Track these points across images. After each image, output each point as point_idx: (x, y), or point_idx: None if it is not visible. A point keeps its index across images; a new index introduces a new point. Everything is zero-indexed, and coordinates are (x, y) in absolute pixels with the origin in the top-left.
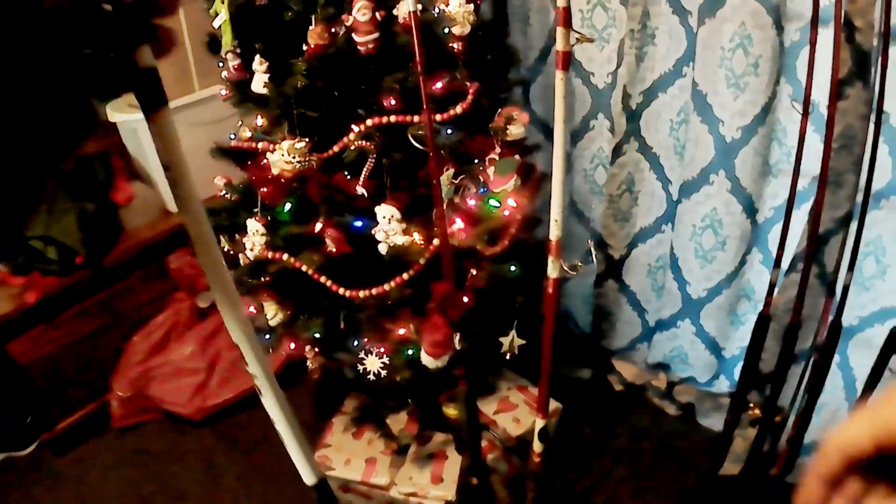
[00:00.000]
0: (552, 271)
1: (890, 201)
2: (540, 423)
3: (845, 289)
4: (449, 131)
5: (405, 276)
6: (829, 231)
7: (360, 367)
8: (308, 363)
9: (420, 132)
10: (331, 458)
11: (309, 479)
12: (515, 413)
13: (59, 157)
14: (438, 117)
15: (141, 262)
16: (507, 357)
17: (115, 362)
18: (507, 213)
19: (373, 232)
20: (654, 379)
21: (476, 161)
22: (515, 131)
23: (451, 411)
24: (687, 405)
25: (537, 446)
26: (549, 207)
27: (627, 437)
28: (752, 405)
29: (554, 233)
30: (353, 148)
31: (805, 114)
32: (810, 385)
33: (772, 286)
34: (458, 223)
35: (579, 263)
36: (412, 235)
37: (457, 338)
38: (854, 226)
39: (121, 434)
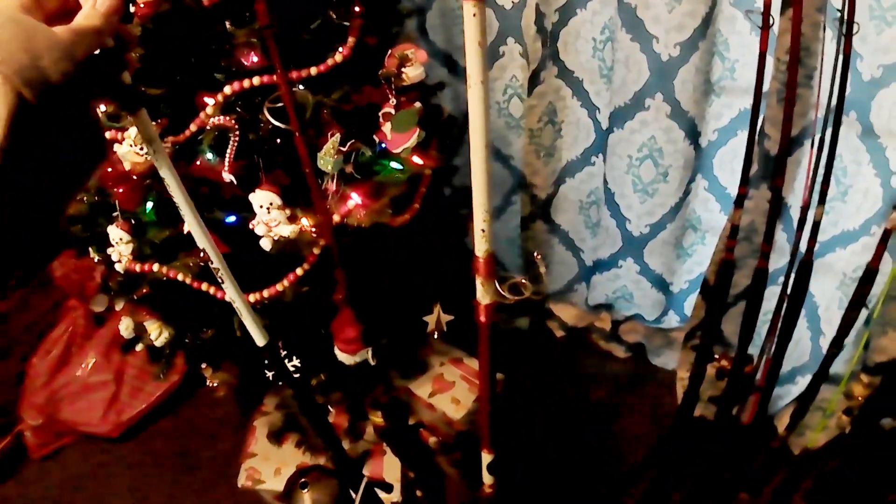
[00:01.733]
0: (483, 296)
1: (849, 118)
2: (487, 458)
3: (815, 224)
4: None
5: (299, 271)
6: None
7: (269, 374)
8: (208, 382)
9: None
10: (259, 469)
11: (260, 341)
12: (453, 392)
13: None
14: (314, 70)
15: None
16: (436, 336)
17: (18, 390)
18: (412, 173)
19: (251, 226)
20: (598, 320)
21: (368, 118)
22: (413, 74)
23: (376, 419)
24: (636, 345)
25: (487, 479)
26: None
27: (578, 387)
28: (717, 356)
29: (481, 246)
30: (210, 126)
31: (766, 28)
32: (780, 330)
33: (734, 228)
34: (355, 198)
35: (523, 281)
36: (300, 222)
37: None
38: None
39: (42, 464)
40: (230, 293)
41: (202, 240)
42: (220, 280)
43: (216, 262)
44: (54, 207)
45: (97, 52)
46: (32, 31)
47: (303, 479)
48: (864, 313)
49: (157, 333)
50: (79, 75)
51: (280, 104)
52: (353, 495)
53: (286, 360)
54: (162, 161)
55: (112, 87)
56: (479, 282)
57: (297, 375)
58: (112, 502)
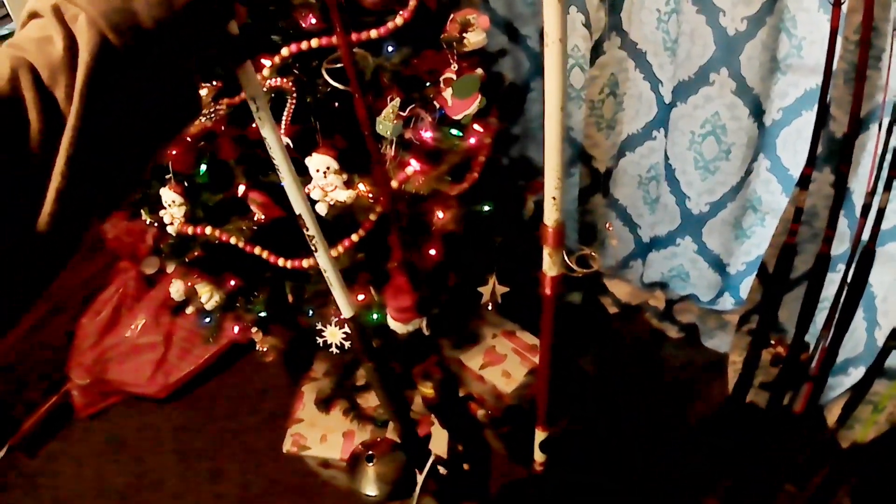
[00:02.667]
0: (550, 267)
1: None
2: (541, 436)
3: (881, 211)
4: (390, 49)
5: (354, 237)
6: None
7: (320, 340)
8: (257, 346)
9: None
10: (305, 436)
11: (347, 312)
12: (504, 366)
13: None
14: (374, 33)
15: None
16: (490, 307)
17: (68, 349)
18: (472, 140)
19: (307, 190)
20: (652, 298)
21: (428, 83)
22: (475, 40)
23: (426, 390)
24: (689, 326)
25: (539, 457)
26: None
27: (628, 366)
28: (773, 342)
29: (551, 215)
30: (267, 88)
31: (837, 5)
32: (838, 319)
33: (798, 211)
34: (414, 165)
35: (591, 253)
36: (357, 188)
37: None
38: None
39: (88, 423)
40: (323, 262)
41: (299, 205)
42: (313, 248)
43: (312, 230)
44: (137, 160)
45: None
46: None
47: (369, 453)
48: None
49: (208, 297)
50: (177, 23)
51: (339, 65)
52: (418, 473)
53: (337, 327)
54: (266, 120)
55: (216, 36)
56: (546, 252)
57: (347, 342)
58: (156, 463)
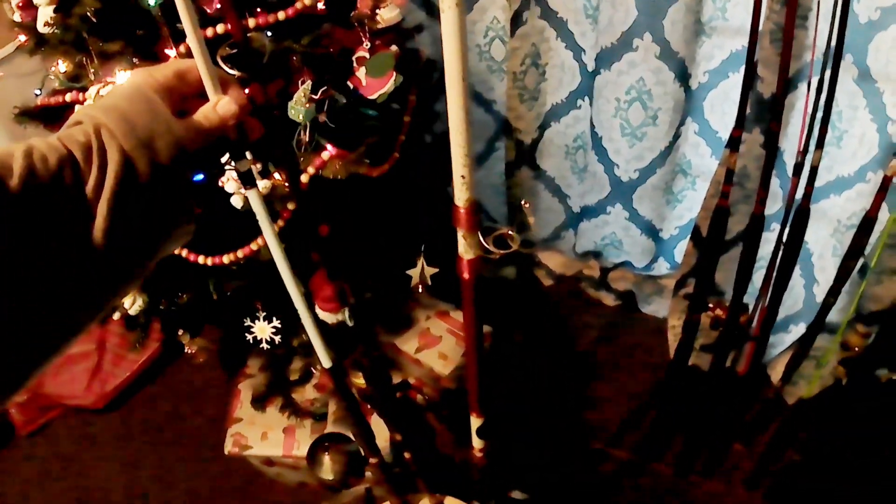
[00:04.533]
0: (466, 250)
1: (845, 61)
2: (476, 422)
3: (813, 170)
4: (299, 30)
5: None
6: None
7: (250, 337)
8: (186, 349)
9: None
10: (246, 435)
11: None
12: (440, 348)
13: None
14: (282, 15)
15: None
16: (420, 290)
17: None
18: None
19: (220, 183)
20: (586, 268)
21: (341, 64)
22: (388, 15)
23: (358, 381)
24: (626, 293)
25: (477, 444)
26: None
27: (566, 337)
28: (711, 305)
29: (462, 195)
30: None
31: None
32: (776, 278)
33: (729, 173)
34: (329, 149)
35: (509, 232)
36: (272, 178)
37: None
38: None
39: (30, 441)
40: (301, 312)
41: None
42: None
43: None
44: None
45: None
46: (157, 113)
47: (325, 444)
48: (859, 262)
49: (131, 301)
50: (189, 160)
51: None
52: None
53: (266, 321)
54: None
55: (221, 168)
56: (460, 234)
57: (277, 337)
58: (101, 475)
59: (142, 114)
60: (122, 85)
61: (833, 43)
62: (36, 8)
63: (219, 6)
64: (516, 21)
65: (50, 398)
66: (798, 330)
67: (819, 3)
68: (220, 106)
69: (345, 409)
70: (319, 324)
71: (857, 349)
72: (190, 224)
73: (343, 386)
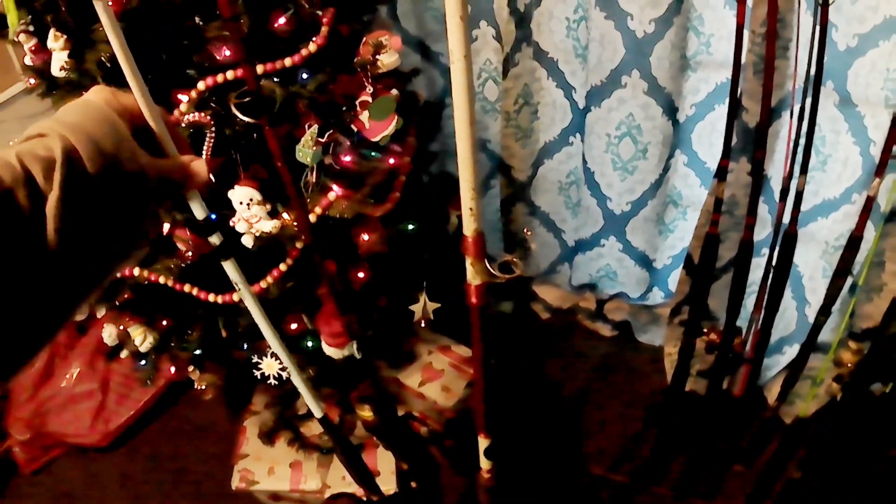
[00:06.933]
0: (473, 276)
1: (826, 87)
2: (484, 443)
3: (799, 194)
4: (305, 76)
5: (282, 267)
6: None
7: (258, 373)
8: (195, 384)
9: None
10: (252, 470)
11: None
12: (442, 381)
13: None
14: (288, 61)
15: None
16: (423, 325)
17: (4, 405)
18: (392, 160)
19: (231, 223)
20: (582, 300)
21: (345, 108)
22: (388, 61)
23: (364, 414)
24: (622, 323)
25: (485, 464)
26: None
27: (567, 367)
28: (706, 330)
29: (470, 226)
30: (184, 124)
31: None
32: (767, 301)
33: (718, 202)
34: (336, 189)
35: (513, 259)
36: (281, 217)
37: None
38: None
39: (33, 479)
40: (288, 366)
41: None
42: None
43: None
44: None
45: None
46: (122, 139)
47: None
48: (849, 281)
49: (142, 339)
50: (142, 179)
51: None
52: None
53: (273, 358)
54: None
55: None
56: (468, 262)
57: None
58: None
59: (107, 136)
60: (85, 102)
61: (812, 71)
62: (48, 52)
63: (228, 53)
64: (508, 62)
65: (53, 436)
66: (792, 351)
67: (799, 33)
68: (195, 163)
69: (341, 455)
70: (325, 358)
71: (849, 366)
72: (143, 248)
73: (338, 435)
